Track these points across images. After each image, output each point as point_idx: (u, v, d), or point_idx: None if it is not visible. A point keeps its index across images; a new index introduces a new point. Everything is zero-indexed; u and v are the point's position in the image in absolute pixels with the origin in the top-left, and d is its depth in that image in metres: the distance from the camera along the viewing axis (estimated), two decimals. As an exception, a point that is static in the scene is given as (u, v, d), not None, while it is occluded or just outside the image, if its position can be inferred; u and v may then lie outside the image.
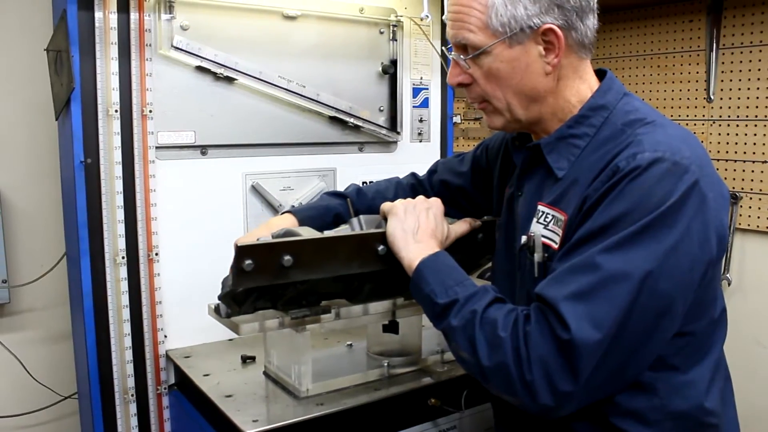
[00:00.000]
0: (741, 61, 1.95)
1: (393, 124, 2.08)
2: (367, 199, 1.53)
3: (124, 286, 1.66)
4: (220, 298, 1.28)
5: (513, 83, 1.11)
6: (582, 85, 1.14)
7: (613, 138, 1.07)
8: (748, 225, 1.98)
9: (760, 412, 1.97)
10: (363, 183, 2.04)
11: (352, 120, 1.98)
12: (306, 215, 1.46)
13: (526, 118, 1.15)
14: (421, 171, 1.70)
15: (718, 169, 2.00)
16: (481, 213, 1.43)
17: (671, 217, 0.95)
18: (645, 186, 0.97)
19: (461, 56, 1.13)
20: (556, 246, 1.08)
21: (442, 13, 1.86)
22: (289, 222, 1.43)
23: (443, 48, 1.93)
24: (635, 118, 1.08)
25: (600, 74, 1.18)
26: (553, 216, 1.10)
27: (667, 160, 0.98)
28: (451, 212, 1.40)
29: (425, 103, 2.18)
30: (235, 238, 1.36)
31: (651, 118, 1.07)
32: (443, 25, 2.13)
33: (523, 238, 1.15)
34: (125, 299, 1.66)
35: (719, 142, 2.02)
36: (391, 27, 2.03)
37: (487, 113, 1.18)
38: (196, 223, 1.78)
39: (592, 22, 1.12)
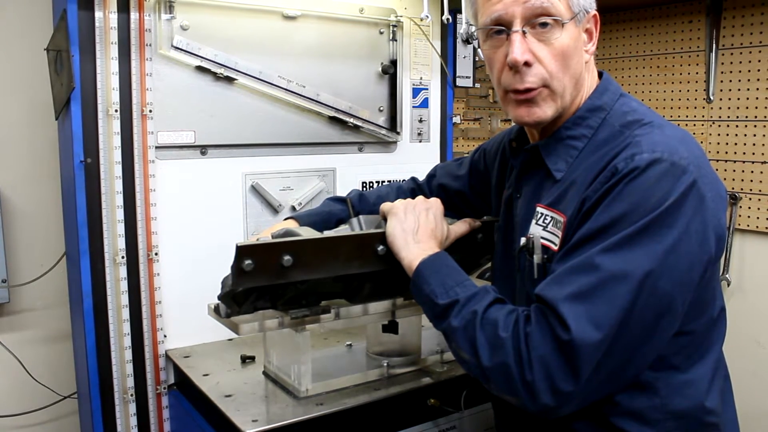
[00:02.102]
0: (740, 62, 1.96)
1: (393, 124, 2.08)
2: (369, 204, 1.54)
3: (124, 285, 1.66)
4: (219, 297, 1.28)
5: (572, 64, 1.09)
6: (591, 82, 1.15)
7: (611, 139, 1.08)
8: (748, 225, 1.98)
9: (760, 411, 1.97)
10: (363, 183, 2.06)
11: (351, 120, 1.98)
12: (309, 221, 1.46)
13: (569, 105, 1.12)
14: (420, 171, 1.70)
15: (717, 170, 2.00)
16: (480, 216, 1.43)
17: (670, 217, 0.95)
18: (644, 186, 0.97)
19: (531, 29, 1.06)
20: (555, 247, 1.08)
21: (442, 13, 1.87)
22: (291, 227, 1.43)
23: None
24: (633, 119, 1.08)
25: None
26: (552, 217, 1.10)
27: (665, 161, 0.98)
28: (450, 215, 1.40)
29: (425, 104, 2.18)
30: (236, 240, 1.36)
31: (648, 119, 1.08)
32: (443, 26, 2.13)
33: (522, 240, 1.15)
34: (125, 299, 1.66)
35: (719, 143, 2.03)
36: (390, 27, 2.03)
37: (538, 102, 1.09)
38: (196, 223, 1.78)
39: None
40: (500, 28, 1.08)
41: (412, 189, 1.60)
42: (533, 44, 1.06)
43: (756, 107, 1.93)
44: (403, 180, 1.70)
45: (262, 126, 1.85)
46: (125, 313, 1.67)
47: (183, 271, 1.75)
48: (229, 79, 1.78)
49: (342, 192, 1.86)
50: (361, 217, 1.38)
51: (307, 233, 1.30)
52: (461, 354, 1.06)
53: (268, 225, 1.79)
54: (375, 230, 1.30)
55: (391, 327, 1.52)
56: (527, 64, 1.06)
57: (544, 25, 1.06)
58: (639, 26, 2.20)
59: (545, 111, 1.10)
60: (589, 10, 1.11)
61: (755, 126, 1.94)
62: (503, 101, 1.15)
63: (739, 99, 1.97)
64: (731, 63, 1.98)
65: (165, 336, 1.74)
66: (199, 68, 1.74)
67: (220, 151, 1.81)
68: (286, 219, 1.52)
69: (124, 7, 1.61)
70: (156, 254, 1.70)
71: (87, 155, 1.59)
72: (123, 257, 1.65)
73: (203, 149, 1.78)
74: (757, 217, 1.96)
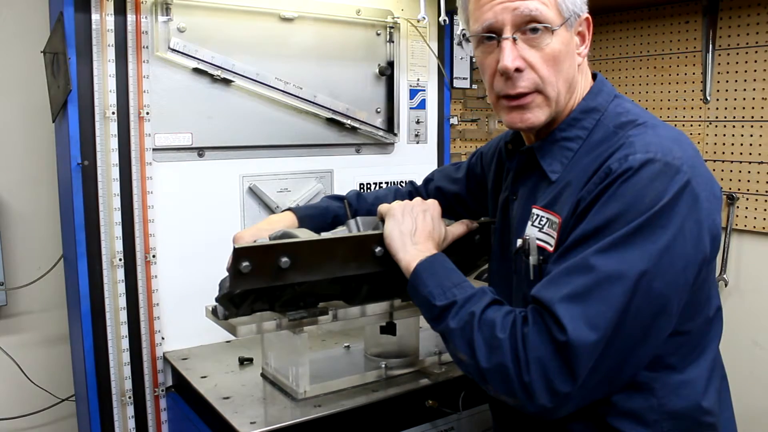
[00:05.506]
0: (737, 62, 1.96)
1: (390, 125, 2.08)
2: (366, 204, 1.54)
3: (122, 288, 1.66)
4: (217, 299, 1.28)
5: (564, 68, 1.09)
6: (585, 83, 1.15)
7: (606, 140, 1.08)
8: (745, 226, 1.99)
9: (757, 411, 1.98)
10: (360, 185, 2.06)
11: (349, 122, 1.98)
12: (306, 213, 1.47)
13: (563, 109, 1.12)
14: (418, 172, 1.71)
15: (714, 171, 2.01)
16: (477, 219, 1.44)
17: (664, 217, 0.96)
18: (637, 187, 0.97)
19: (521, 35, 1.05)
20: (551, 248, 1.08)
21: (439, 14, 1.87)
22: (288, 219, 1.44)
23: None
24: (627, 120, 1.09)
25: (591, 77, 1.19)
26: (547, 219, 1.10)
27: (658, 161, 0.98)
28: (447, 218, 1.40)
29: (422, 105, 2.18)
30: (234, 234, 1.37)
31: (642, 120, 1.08)
32: (440, 27, 2.13)
33: (518, 242, 1.15)
34: (122, 301, 1.66)
35: (715, 143, 2.03)
36: (387, 28, 2.03)
37: (531, 108, 1.10)
38: (194, 225, 1.78)
39: None
40: (491, 35, 1.08)
41: (410, 192, 1.60)
42: (524, 50, 1.06)
43: (753, 107, 1.94)
44: (402, 183, 1.70)
45: (259, 128, 1.85)
46: (123, 316, 1.67)
47: (181, 274, 1.75)
48: (227, 81, 1.78)
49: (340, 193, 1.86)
50: (358, 218, 1.38)
51: (305, 235, 1.30)
52: (459, 355, 1.06)
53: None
54: (372, 232, 1.30)
55: (388, 328, 1.52)
56: (518, 70, 1.07)
57: (534, 30, 1.05)
58: (636, 27, 2.21)
59: (538, 116, 1.10)
60: (581, 13, 1.10)
61: (752, 126, 1.95)
62: (495, 106, 1.15)
63: (735, 99, 1.97)
64: (728, 63, 1.98)
65: (163, 338, 1.74)
66: (196, 70, 1.74)
67: (217, 153, 1.81)
68: (284, 210, 1.52)
69: (120, 9, 1.61)
70: (153, 256, 1.70)
71: (84, 158, 1.59)
72: (120, 259, 1.65)
73: (200, 151, 1.78)
74: (755, 218, 1.96)
